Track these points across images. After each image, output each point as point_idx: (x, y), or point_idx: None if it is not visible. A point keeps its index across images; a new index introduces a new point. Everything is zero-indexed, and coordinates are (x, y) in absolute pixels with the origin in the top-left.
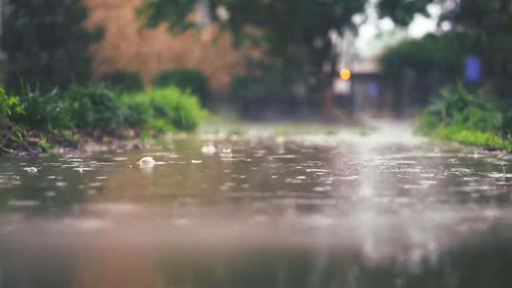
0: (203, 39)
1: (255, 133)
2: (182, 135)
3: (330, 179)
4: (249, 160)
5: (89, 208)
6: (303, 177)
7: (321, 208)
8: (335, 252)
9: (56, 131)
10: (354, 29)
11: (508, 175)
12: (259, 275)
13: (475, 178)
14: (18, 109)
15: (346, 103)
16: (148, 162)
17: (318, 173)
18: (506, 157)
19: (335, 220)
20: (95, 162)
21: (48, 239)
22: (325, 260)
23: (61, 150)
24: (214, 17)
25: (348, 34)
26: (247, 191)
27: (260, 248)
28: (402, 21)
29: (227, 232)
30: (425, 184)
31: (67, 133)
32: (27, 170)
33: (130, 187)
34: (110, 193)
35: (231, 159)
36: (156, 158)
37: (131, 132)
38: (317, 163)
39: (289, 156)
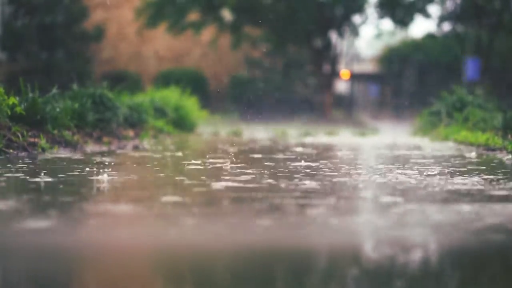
0: (203, 39)
1: (264, 134)
2: (187, 136)
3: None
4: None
5: None
6: None
7: None
8: None
9: (56, 132)
10: (354, 29)
11: None
12: None
13: None
14: (18, 109)
15: (346, 103)
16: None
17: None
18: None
19: None
20: None
21: None
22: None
23: (61, 151)
24: (216, 17)
25: (348, 34)
26: None
27: None
28: (402, 22)
29: None
30: None
31: (67, 133)
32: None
33: None
34: None
35: None
36: None
37: (131, 133)
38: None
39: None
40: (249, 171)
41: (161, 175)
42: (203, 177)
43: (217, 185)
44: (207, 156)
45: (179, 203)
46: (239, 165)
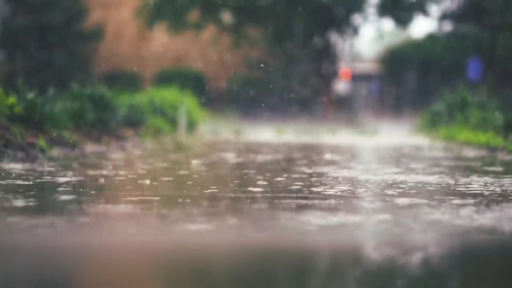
0: (203, 39)
1: (267, 134)
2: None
3: None
4: None
5: None
6: None
7: None
8: None
9: (55, 132)
10: (354, 29)
11: None
12: None
13: None
14: (17, 109)
15: (346, 103)
16: None
17: None
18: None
19: None
20: None
21: None
22: None
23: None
24: (215, 18)
25: (348, 34)
26: None
27: None
28: (403, 21)
29: None
30: None
31: (66, 133)
32: None
33: None
34: None
35: None
36: None
37: (130, 132)
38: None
39: None
40: None
41: None
42: None
43: None
44: None
45: None
46: None
